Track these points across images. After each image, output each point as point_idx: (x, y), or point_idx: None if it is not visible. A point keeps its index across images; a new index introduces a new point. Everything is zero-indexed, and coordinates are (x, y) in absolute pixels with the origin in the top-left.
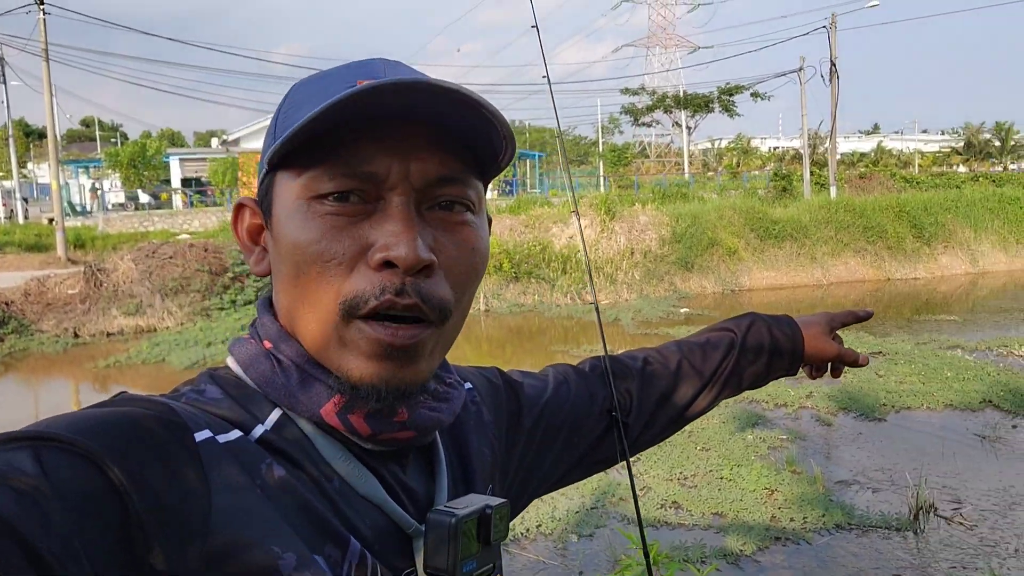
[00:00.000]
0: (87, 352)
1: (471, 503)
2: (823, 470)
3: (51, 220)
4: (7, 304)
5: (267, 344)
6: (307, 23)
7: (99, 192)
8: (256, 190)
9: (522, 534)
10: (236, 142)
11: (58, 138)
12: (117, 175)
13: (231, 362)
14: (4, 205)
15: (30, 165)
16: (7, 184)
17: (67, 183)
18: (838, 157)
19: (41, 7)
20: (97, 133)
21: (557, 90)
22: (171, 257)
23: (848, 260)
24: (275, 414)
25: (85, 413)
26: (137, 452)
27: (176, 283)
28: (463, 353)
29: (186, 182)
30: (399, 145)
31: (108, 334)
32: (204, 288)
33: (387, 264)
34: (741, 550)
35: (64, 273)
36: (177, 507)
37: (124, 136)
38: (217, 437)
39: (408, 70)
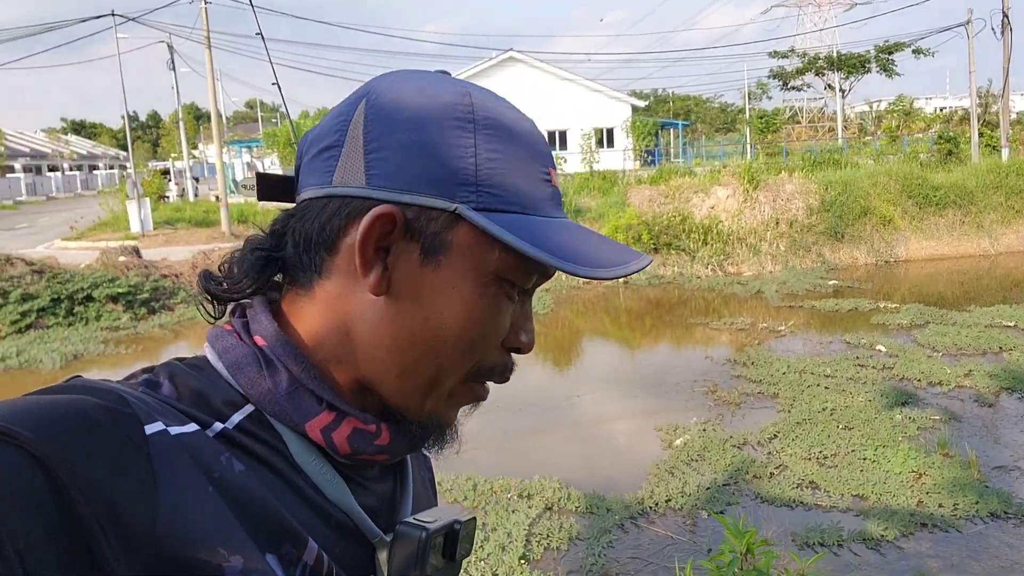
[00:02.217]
0: None
1: (440, 517)
2: (979, 454)
3: (217, 197)
4: (176, 276)
5: (259, 341)
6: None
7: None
8: (403, 212)
9: (651, 508)
10: None
11: (224, 120)
12: (275, 154)
13: (209, 355)
14: (176, 184)
15: (200, 146)
16: (179, 164)
17: (231, 162)
18: (1012, 117)
19: None
20: (259, 114)
21: (703, 56)
22: None
23: (1020, 228)
24: (244, 411)
25: (30, 401)
26: (83, 448)
27: None
28: (602, 325)
29: None
30: None
31: None
32: None
33: (516, 349)
34: (882, 535)
35: (227, 247)
36: (122, 508)
37: (283, 116)
38: (169, 429)
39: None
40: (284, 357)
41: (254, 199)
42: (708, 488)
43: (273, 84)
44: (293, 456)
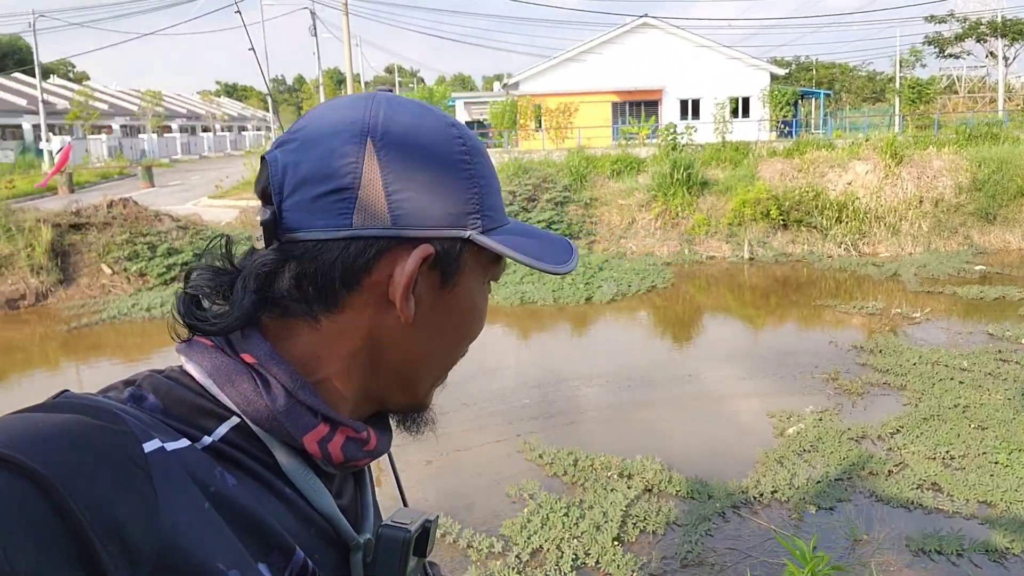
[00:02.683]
0: None
1: (413, 518)
2: None
3: None
4: None
5: (248, 359)
6: None
7: None
8: (414, 254)
9: (755, 498)
10: (516, 85)
11: (363, 84)
12: None
13: (193, 369)
14: None
15: None
16: None
17: None
18: None
19: None
20: (396, 79)
21: (851, 21)
22: None
23: None
24: (228, 423)
25: (25, 422)
26: (83, 470)
27: None
28: (726, 302)
29: (471, 124)
30: None
31: None
32: None
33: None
34: (1008, 547)
35: None
36: (125, 528)
37: (421, 81)
38: (166, 445)
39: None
40: (278, 374)
41: None
42: (819, 482)
43: (250, 50)
44: (282, 466)
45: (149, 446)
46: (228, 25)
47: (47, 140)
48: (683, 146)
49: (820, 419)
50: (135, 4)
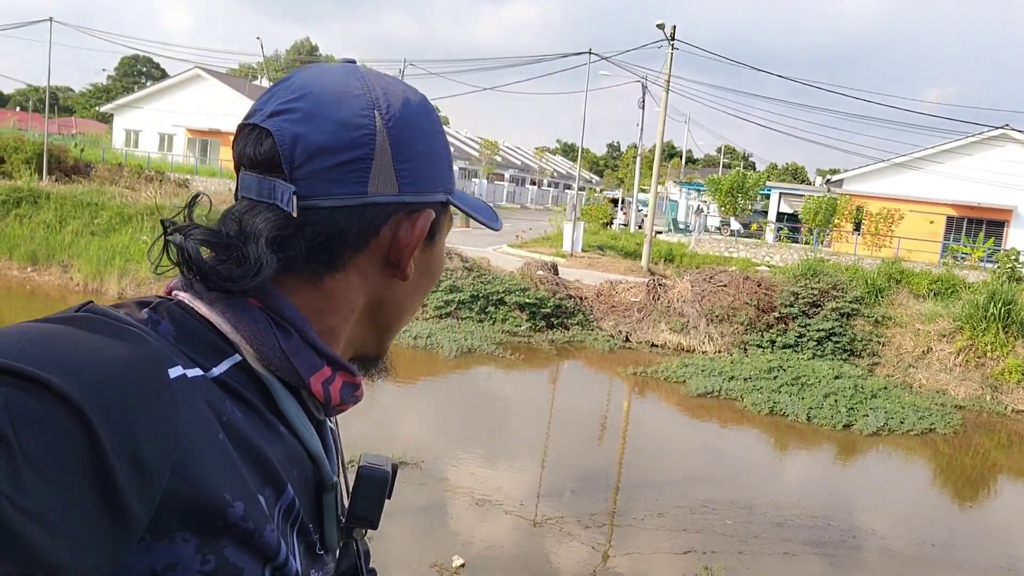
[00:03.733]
0: (630, 356)
1: (382, 461)
2: None
3: (658, 232)
4: (581, 299)
5: (254, 302)
6: (959, 68)
7: (703, 214)
8: (420, 218)
9: None
10: (839, 183)
11: (691, 162)
12: (715, 201)
13: (201, 305)
14: (624, 213)
15: (667, 183)
16: (641, 196)
17: (676, 201)
18: None
19: (671, 43)
20: (721, 161)
21: None
22: (725, 285)
23: None
24: (232, 359)
25: (63, 340)
26: (117, 399)
27: (723, 311)
28: None
29: (783, 216)
30: None
31: (652, 344)
32: (748, 321)
33: None
34: None
35: (632, 281)
36: (146, 457)
37: (752, 165)
38: (187, 372)
39: None
40: (292, 319)
41: (687, 240)
42: None
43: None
44: (281, 405)
45: (173, 372)
46: (558, 89)
47: None
48: None
49: None
50: (498, 60)
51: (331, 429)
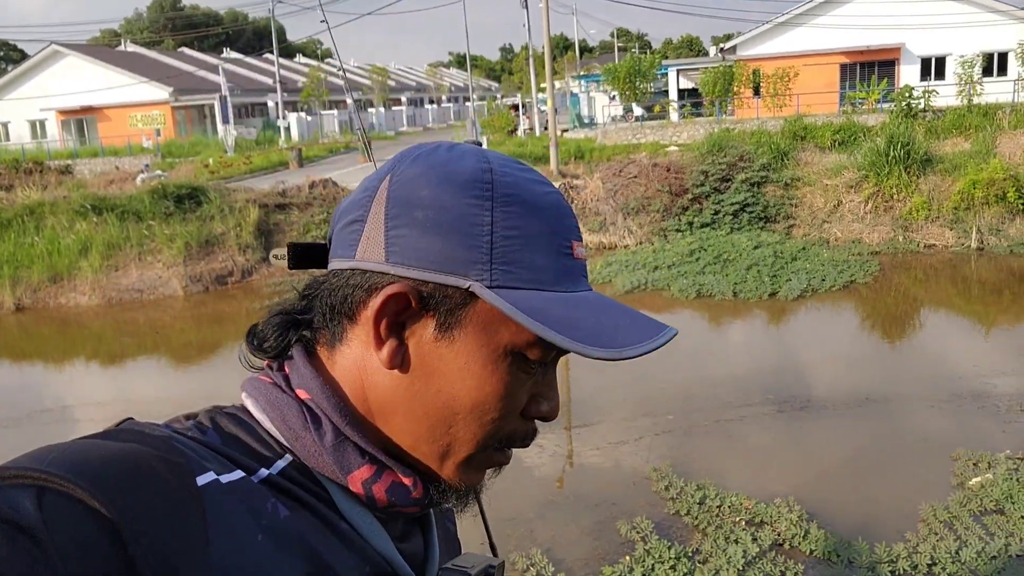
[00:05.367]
0: None
1: (475, 563)
2: None
3: (564, 131)
4: None
5: (302, 395)
6: None
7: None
8: (419, 289)
9: (907, 570)
10: (733, 50)
11: (586, 52)
12: (615, 89)
13: (251, 405)
14: (527, 118)
15: (564, 79)
16: (538, 97)
17: (577, 96)
18: None
19: None
20: (615, 46)
21: None
22: (635, 176)
23: None
24: (286, 459)
25: (87, 449)
26: (140, 501)
27: (638, 203)
28: (946, 296)
29: (684, 93)
30: None
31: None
32: (663, 208)
33: (539, 418)
34: None
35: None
36: (177, 561)
37: (648, 46)
38: (220, 478)
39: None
40: (329, 410)
41: (594, 135)
42: (995, 557)
43: (322, 21)
44: (337, 504)
45: (203, 479)
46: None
47: (283, 117)
48: (920, 111)
49: (1017, 469)
50: None
51: (432, 523)
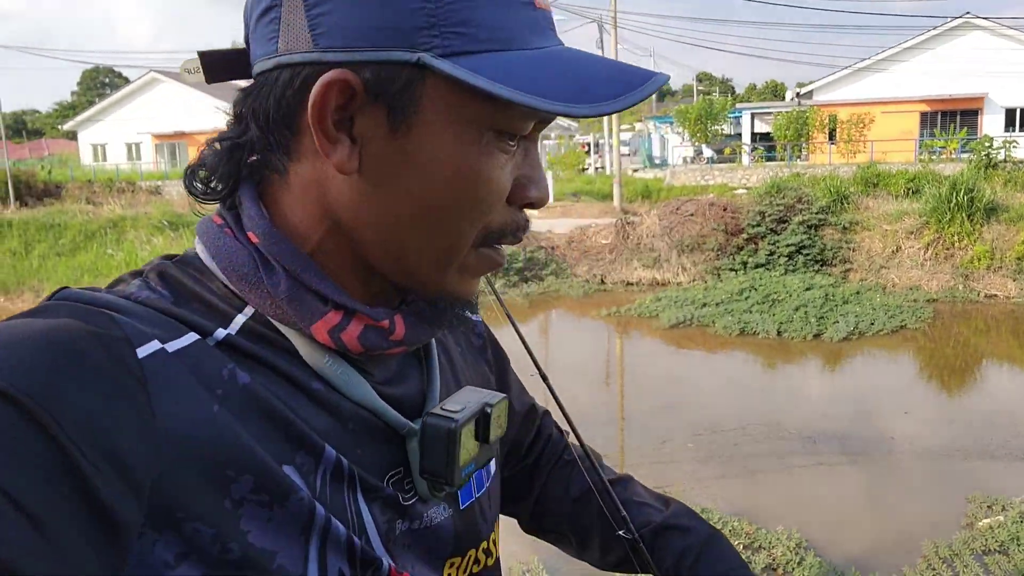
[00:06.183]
0: (606, 298)
1: (467, 402)
2: None
3: (635, 171)
4: (552, 248)
5: (253, 238)
6: None
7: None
8: (359, 73)
9: None
10: (810, 95)
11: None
12: (686, 130)
13: (202, 252)
14: (599, 157)
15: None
16: (616, 138)
17: (649, 136)
18: None
19: None
20: (696, 89)
21: None
22: (692, 215)
23: None
24: (244, 314)
25: (11, 331)
26: (70, 384)
27: (693, 240)
28: (997, 349)
29: (758, 136)
30: None
31: (628, 283)
32: (717, 247)
33: (527, 204)
34: None
35: (603, 223)
36: (119, 447)
37: (731, 89)
38: (167, 346)
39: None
40: (280, 254)
41: (663, 175)
42: None
43: None
44: (305, 358)
45: (145, 350)
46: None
47: None
48: (1000, 161)
49: None
50: None
51: (433, 356)
